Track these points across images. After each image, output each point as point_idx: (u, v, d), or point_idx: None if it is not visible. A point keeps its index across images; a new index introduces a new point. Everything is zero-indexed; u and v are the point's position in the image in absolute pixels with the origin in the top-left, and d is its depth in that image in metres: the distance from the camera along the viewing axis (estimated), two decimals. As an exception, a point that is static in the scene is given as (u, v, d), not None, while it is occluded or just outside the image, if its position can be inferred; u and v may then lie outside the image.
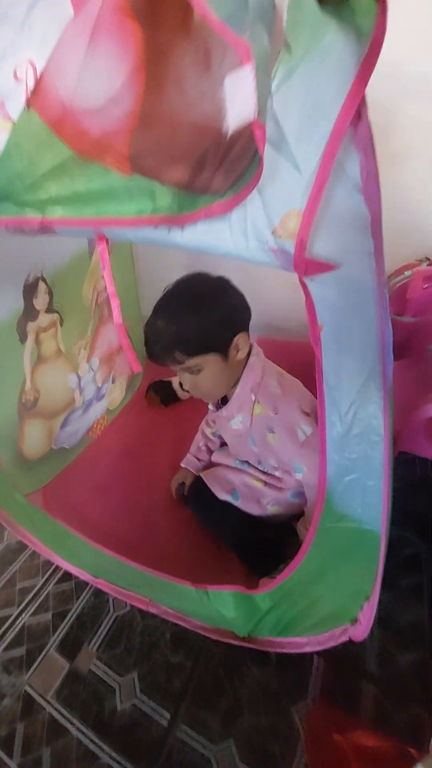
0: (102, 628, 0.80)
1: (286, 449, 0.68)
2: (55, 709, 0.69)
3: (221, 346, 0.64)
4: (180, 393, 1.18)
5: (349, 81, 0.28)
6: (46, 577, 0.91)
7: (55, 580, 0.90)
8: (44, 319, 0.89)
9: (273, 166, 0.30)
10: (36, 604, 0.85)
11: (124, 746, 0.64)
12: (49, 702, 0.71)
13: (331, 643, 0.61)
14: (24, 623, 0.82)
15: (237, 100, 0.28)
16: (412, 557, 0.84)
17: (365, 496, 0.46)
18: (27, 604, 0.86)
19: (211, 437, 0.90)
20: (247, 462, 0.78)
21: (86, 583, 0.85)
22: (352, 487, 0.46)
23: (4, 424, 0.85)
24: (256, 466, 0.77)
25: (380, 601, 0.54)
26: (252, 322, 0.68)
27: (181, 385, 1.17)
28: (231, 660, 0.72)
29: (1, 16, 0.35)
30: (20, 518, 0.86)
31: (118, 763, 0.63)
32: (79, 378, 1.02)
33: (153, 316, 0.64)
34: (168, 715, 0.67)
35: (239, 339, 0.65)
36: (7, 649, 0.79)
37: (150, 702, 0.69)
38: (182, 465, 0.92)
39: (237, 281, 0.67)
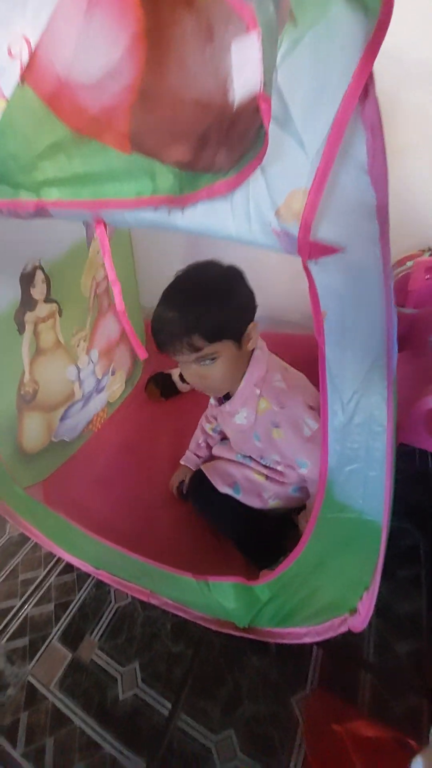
0: (104, 618, 0.80)
1: (292, 445, 0.67)
2: (58, 699, 0.70)
3: (237, 334, 0.62)
4: (180, 386, 1.18)
5: (356, 56, 0.27)
6: (48, 568, 0.91)
7: (57, 571, 0.90)
8: (43, 309, 0.87)
9: (277, 143, 0.28)
10: (38, 596, 0.86)
11: (125, 735, 0.65)
12: (51, 692, 0.71)
13: (331, 634, 0.61)
14: (27, 614, 0.83)
15: (242, 71, 0.26)
16: (411, 549, 0.84)
17: (366, 487, 0.46)
18: (29, 596, 0.86)
19: (211, 433, 0.89)
20: (249, 456, 0.78)
21: (88, 575, 0.85)
22: (353, 478, 0.46)
23: (3, 417, 0.84)
24: (258, 460, 0.76)
25: (379, 592, 0.54)
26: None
27: (181, 377, 1.16)
28: (231, 650, 0.72)
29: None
30: (21, 510, 0.86)
31: (120, 752, 0.63)
32: (79, 370, 1.01)
33: (166, 303, 0.62)
34: (169, 705, 0.68)
35: (251, 328, 0.64)
36: (10, 639, 0.79)
37: (151, 691, 0.69)
38: (182, 462, 0.91)
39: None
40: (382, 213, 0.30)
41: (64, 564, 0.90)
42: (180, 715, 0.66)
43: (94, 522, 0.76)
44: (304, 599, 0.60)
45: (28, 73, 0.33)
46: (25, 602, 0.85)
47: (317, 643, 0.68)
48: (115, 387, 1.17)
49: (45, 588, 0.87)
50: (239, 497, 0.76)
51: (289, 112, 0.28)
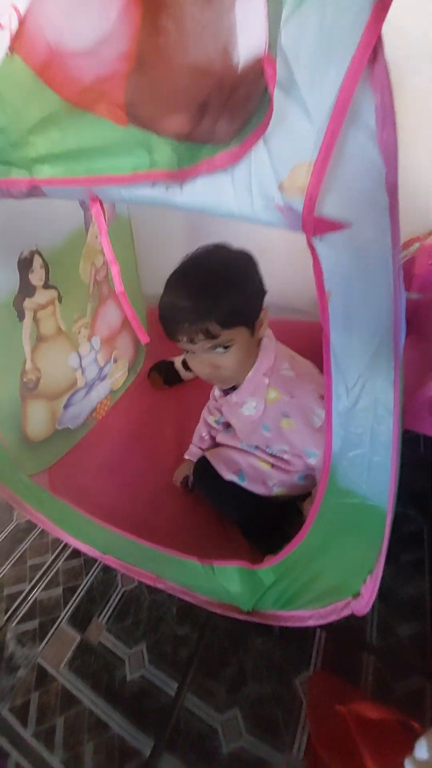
0: (111, 602, 0.82)
1: (301, 435, 0.65)
2: (67, 680, 0.72)
3: (251, 320, 0.61)
4: (183, 373, 1.17)
5: (365, 15, 0.25)
6: (55, 554, 0.92)
7: (65, 557, 0.91)
8: (42, 295, 0.86)
9: (281, 111, 0.27)
10: (47, 580, 0.87)
11: (133, 715, 0.66)
12: (61, 673, 0.73)
13: (334, 617, 0.61)
14: (36, 598, 0.85)
15: (245, 31, 0.24)
16: (415, 534, 0.84)
17: (370, 472, 0.45)
18: (38, 580, 0.88)
19: (215, 425, 0.87)
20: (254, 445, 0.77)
21: (95, 560, 0.87)
22: (356, 463, 0.45)
23: (6, 406, 0.84)
24: (265, 449, 0.75)
25: (382, 576, 0.54)
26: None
27: (184, 365, 1.16)
28: (236, 632, 0.74)
29: None
30: (28, 498, 0.87)
31: (128, 731, 0.65)
32: (81, 358, 1.01)
33: (177, 289, 0.59)
34: (175, 685, 0.69)
35: (263, 314, 0.62)
36: (20, 622, 0.81)
37: (158, 672, 0.71)
38: (186, 457, 0.90)
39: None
40: (391, 184, 0.29)
41: (71, 549, 0.92)
42: (186, 695, 0.68)
43: (99, 509, 0.76)
44: (307, 583, 0.61)
45: (17, 41, 0.31)
46: (33, 586, 0.87)
47: (320, 626, 0.68)
48: (118, 375, 1.16)
49: (53, 573, 0.89)
50: (244, 484, 0.76)
51: (293, 77, 0.26)
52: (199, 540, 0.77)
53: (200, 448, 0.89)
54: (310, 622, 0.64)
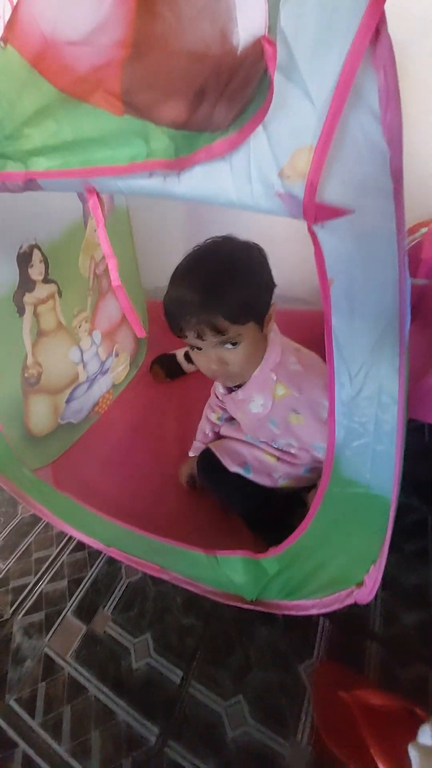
0: (116, 593, 0.82)
1: (311, 430, 0.65)
2: (74, 669, 0.73)
3: (260, 315, 0.59)
4: (185, 366, 1.17)
5: (366, -8, 0.25)
6: (60, 547, 0.93)
7: (69, 549, 0.92)
8: (42, 290, 0.86)
9: (280, 95, 0.26)
10: (52, 573, 0.88)
11: (139, 703, 0.67)
12: (67, 662, 0.74)
13: (337, 606, 0.62)
14: (41, 590, 0.85)
15: (244, 12, 0.24)
16: (418, 523, 0.85)
17: (374, 462, 0.45)
18: (43, 573, 0.88)
19: (217, 422, 0.87)
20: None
21: (99, 552, 0.87)
22: (360, 453, 0.45)
23: (9, 401, 0.84)
24: (270, 443, 0.75)
25: (385, 565, 0.54)
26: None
27: (186, 358, 1.16)
28: (240, 621, 0.74)
29: None
30: (32, 492, 0.87)
31: (135, 718, 0.66)
32: (82, 352, 1.01)
33: (183, 283, 0.57)
34: (181, 673, 0.70)
35: (272, 308, 0.61)
36: (26, 614, 0.82)
37: (163, 661, 0.72)
38: (191, 454, 0.89)
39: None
40: (396, 168, 0.28)
41: (75, 542, 0.92)
42: (191, 683, 0.69)
43: (103, 502, 0.77)
44: (311, 572, 0.61)
45: (9, 32, 0.30)
46: (39, 579, 0.88)
47: (324, 615, 0.69)
48: (120, 369, 1.16)
49: (58, 565, 0.89)
50: (249, 477, 0.76)
51: (293, 58, 0.25)
52: (202, 531, 0.77)
53: (204, 444, 0.88)
54: (313, 611, 0.65)
